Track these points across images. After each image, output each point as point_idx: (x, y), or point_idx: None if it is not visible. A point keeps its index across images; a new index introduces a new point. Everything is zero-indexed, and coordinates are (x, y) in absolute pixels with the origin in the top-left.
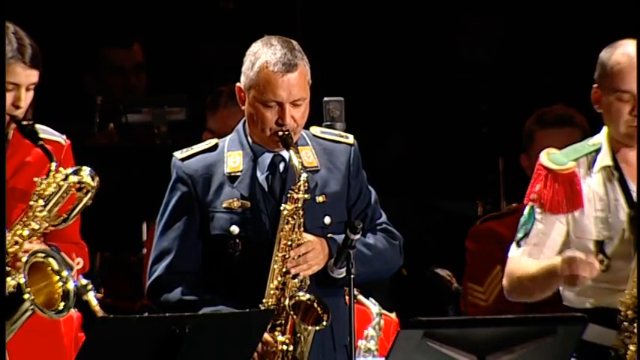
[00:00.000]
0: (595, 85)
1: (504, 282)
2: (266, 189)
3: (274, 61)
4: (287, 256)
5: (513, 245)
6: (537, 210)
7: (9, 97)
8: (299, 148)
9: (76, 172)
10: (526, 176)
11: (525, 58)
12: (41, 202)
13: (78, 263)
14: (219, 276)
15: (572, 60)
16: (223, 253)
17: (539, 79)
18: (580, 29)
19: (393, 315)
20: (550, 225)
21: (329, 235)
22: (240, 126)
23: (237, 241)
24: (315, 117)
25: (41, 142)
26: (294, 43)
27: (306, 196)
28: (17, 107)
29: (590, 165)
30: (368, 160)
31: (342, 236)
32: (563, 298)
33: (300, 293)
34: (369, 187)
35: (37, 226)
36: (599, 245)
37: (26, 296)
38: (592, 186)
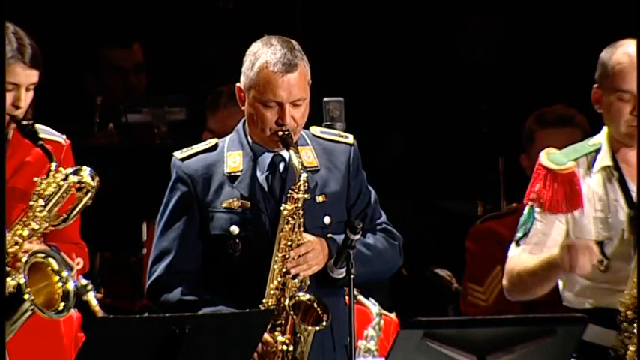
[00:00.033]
0: (595, 85)
1: (504, 281)
2: (266, 189)
3: (274, 61)
4: (287, 256)
5: (512, 244)
6: (537, 210)
7: (9, 97)
8: (299, 148)
9: (76, 172)
10: (526, 176)
11: (525, 58)
12: (41, 202)
13: (78, 263)
14: (219, 276)
15: (572, 60)
16: (223, 253)
17: (539, 79)
18: (580, 29)
19: (393, 315)
20: (550, 224)
21: (329, 235)
22: (240, 126)
23: (237, 241)
24: (315, 117)
25: (41, 142)
26: (294, 43)
27: (306, 196)
28: (17, 107)
29: (590, 165)
30: (368, 160)
31: (342, 236)
32: (562, 298)
33: (300, 293)
34: (369, 187)
35: (37, 226)
36: (599, 245)
37: (26, 296)
38: (591, 186)
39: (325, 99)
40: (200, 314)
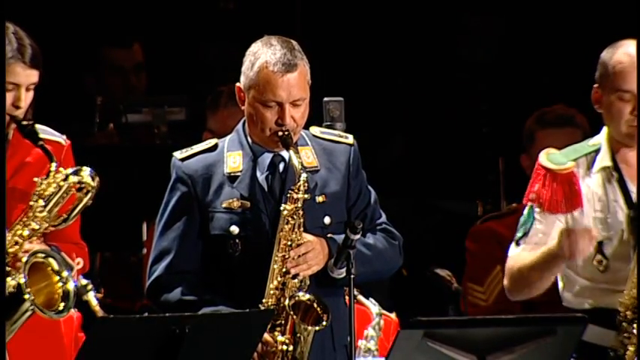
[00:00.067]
0: (596, 85)
1: (505, 281)
2: (266, 189)
3: (274, 61)
4: (287, 256)
5: (513, 245)
6: (536, 210)
7: (9, 97)
8: (299, 148)
9: (76, 173)
10: (526, 176)
11: (525, 58)
12: (41, 202)
13: (78, 263)
14: (218, 276)
15: (572, 60)
16: (223, 253)
17: (539, 79)
18: (580, 29)
19: (393, 315)
20: (550, 224)
21: (329, 235)
22: (239, 126)
23: (237, 241)
24: (315, 117)
25: (41, 143)
26: (294, 43)
27: (305, 196)
28: (17, 107)
29: (590, 165)
30: (368, 160)
31: (342, 236)
32: (562, 299)
33: (300, 293)
34: (369, 187)
35: (37, 227)
36: (598, 246)
37: (26, 296)
38: (591, 186)
39: (325, 99)
40: (200, 314)
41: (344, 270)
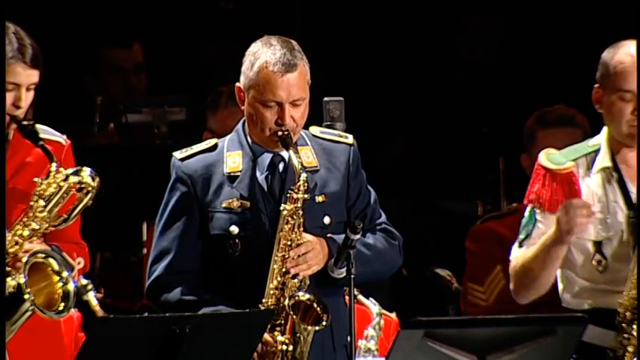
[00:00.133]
0: (596, 85)
1: (511, 285)
2: (265, 189)
3: (274, 61)
4: (286, 256)
5: (515, 246)
6: (537, 211)
7: (9, 97)
8: (298, 148)
9: (76, 173)
10: (526, 176)
11: (525, 58)
12: (41, 202)
13: (79, 263)
14: (218, 276)
15: (572, 60)
16: (223, 253)
17: (539, 79)
18: (580, 29)
19: (393, 315)
20: (551, 224)
21: (328, 235)
22: (239, 126)
23: (237, 241)
24: (315, 117)
25: (41, 143)
26: (294, 43)
27: (305, 196)
28: (18, 107)
29: (589, 166)
30: (368, 160)
31: (342, 236)
32: (561, 300)
33: (300, 293)
34: (369, 187)
35: (37, 227)
36: (598, 246)
37: (26, 296)
38: (591, 187)
39: (325, 99)
40: (200, 314)
41: (344, 270)
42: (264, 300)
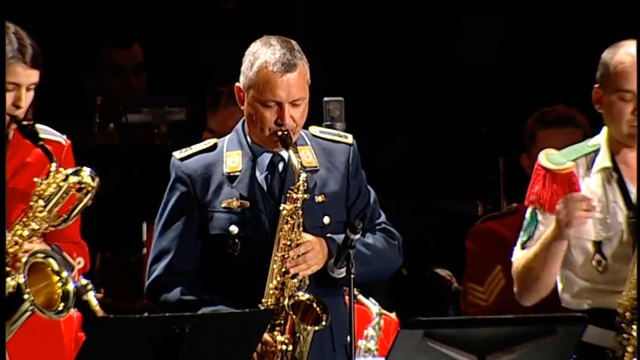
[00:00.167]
0: (596, 85)
1: (514, 287)
2: (265, 189)
3: (273, 61)
4: (286, 256)
5: (517, 248)
6: (539, 212)
7: (9, 97)
8: (298, 148)
9: (76, 173)
10: (526, 176)
11: (525, 58)
12: (41, 202)
13: (79, 263)
14: (218, 276)
15: (572, 60)
16: (222, 252)
17: (539, 79)
18: (580, 29)
19: (393, 315)
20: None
21: (328, 235)
22: (239, 126)
23: (237, 240)
24: (315, 117)
25: (41, 143)
26: (294, 43)
27: (305, 195)
28: (18, 107)
29: (589, 166)
30: (368, 160)
31: (342, 236)
32: (561, 300)
33: (300, 293)
34: (368, 187)
35: (37, 227)
36: (598, 246)
37: (26, 297)
38: (591, 187)
39: (325, 99)
40: (200, 314)
41: (344, 270)
42: (263, 300)
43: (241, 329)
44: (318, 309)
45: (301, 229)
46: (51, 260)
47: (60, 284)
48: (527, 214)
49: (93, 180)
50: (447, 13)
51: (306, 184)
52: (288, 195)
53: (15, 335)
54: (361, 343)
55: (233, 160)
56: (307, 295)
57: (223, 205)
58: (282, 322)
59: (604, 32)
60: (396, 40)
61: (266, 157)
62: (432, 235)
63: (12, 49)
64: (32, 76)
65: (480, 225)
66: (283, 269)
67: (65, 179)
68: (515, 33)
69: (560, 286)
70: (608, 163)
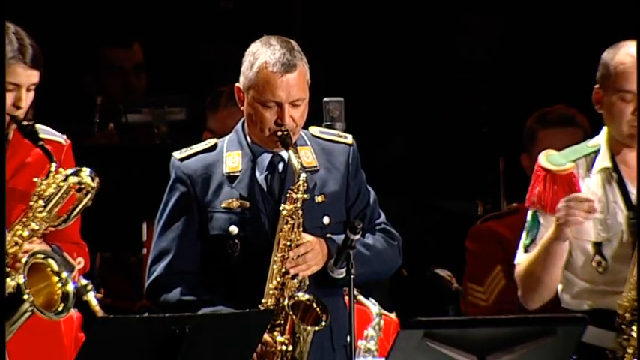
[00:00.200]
0: (596, 86)
1: (519, 291)
2: (265, 189)
3: (273, 61)
4: (286, 256)
5: (520, 251)
6: (540, 214)
7: (10, 97)
8: (298, 148)
9: (76, 173)
10: (526, 176)
11: (525, 58)
12: (41, 202)
13: (79, 263)
14: (218, 276)
15: (572, 60)
16: (222, 253)
17: (539, 79)
18: (580, 29)
19: (393, 315)
20: None
21: (328, 236)
22: (239, 126)
23: (236, 241)
24: (315, 117)
25: (41, 143)
26: (293, 43)
27: (305, 196)
28: (18, 107)
29: (589, 166)
30: (368, 160)
31: (341, 236)
32: (561, 300)
33: (299, 293)
34: (368, 188)
35: (36, 227)
36: (598, 247)
37: (26, 297)
38: (591, 187)
39: (325, 99)
40: (200, 314)
41: (344, 270)
42: (263, 300)
43: (241, 329)
44: (317, 309)
45: (301, 229)
46: (51, 261)
47: (60, 285)
48: (529, 217)
49: (93, 180)
50: (447, 13)
51: (305, 185)
52: (287, 195)
53: (15, 335)
54: (361, 343)
55: (233, 161)
56: (307, 296)
57: (223, 206)
58: (282, 322)
59: (604, 32)
60: (396, 40)
61: (266, 158)
62: (432, 235)
63: (12, 49)
64: (32, 76)
65: (480, 225)
66: (283, 269)
67: (65, 180)
68: (515, 33)
69: (560, 287)
70: (608, 164)
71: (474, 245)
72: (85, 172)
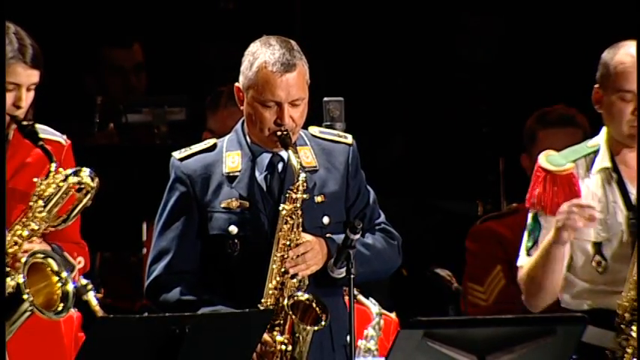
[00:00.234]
0: (596, 86)
1: (522, 295)
2: (264, 189)
3: (273, 61)
4: (285, 256)
5: (523, 254)
6: (540, 216)
7: (10, 97)
8: (297, 148)
9: (75, 173)
10: (527, 176)
11: (525, 58)
12: (41, 202)
13: (79, 262)
14: (217, 276)
15: (572, 60)
16: (222, 253)
17: (539, 79)
18: (580, 29)
19: (393, 315)
20: None
21: (328, 235)
22: (238, 126)
23: (236, 241)
24: (315, 117)
25: (41, 143)
26: (293, 43)
27: (304, 196)
28: (18, 107)
29: (589, 166)
30: (368, 160)
31: (341, 236)
32: (560, 300)
33: (299, 293)
34: (368, 187)
35: (36, 227)
36: (598, 247)
37: (25, 297)
38: (590, 187)
39: (325, 99)
40: (200, 314)
41: (344, 270)
42: (263, 300)
43: (241, 329)
44: (317, 309)
45: (300, 229)
46: (50, 260)
47: (59, 284)
48: (530, 218)
49: (92, 180)
50: (447, 13)
51: (305, 184)
52: (287, 195)
53: (15, 335)
54: (361, 343)
55: (232, 161)
56: (307, 295)
57: (223, 206)
58: (282, 322)
59: (604, 32)
60: (396, 40)
61: (265, 157)
62: (432, 235)
63: (12, 49)
64: (32, 76)
65: (480, 225)
66: (283, 269)
67: (65, 179)
68: (515, 33)
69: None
70: (608, 164)
71: (473, 245)
72: (85, 172)
